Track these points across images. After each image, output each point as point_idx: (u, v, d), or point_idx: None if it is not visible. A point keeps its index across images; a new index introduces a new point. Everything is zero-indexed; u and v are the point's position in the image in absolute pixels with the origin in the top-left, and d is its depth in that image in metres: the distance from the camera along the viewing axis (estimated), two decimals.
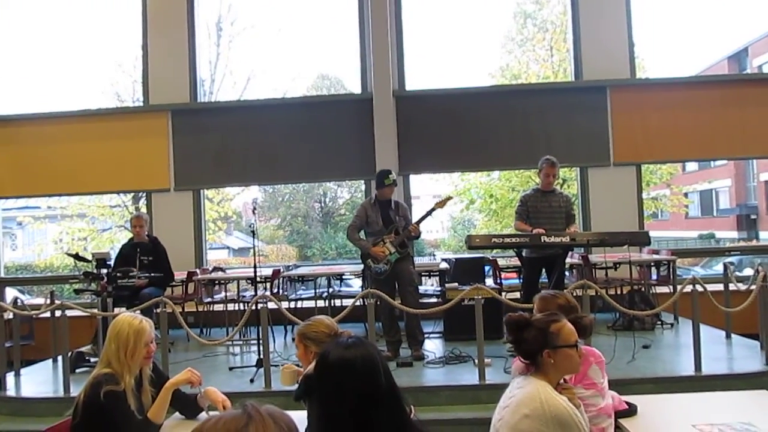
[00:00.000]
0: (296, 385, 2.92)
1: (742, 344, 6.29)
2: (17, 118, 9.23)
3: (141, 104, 9.68)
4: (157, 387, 2.98)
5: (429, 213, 6.30)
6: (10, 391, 5.78)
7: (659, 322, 7.14)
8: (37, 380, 6.24)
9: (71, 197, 14.05)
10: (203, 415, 3.02)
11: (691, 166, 24.30)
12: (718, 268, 8.97)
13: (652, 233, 6.64)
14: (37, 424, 4.39)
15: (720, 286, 6.69)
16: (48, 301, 6.90)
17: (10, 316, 6.29)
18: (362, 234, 6.41)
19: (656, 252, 7.89)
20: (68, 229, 16.01)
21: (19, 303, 7.02)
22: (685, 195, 21.20)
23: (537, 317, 2.51)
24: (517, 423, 2.24)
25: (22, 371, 6.34)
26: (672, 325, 7.21)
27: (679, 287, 6.07)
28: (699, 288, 5.33)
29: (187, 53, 9.02)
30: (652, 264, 7.75)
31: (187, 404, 3.08)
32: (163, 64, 8.99)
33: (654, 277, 7.85)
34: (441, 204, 6.32)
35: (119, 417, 2.71)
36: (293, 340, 6.83)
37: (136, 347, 2.83)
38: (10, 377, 6.03)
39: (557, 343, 2.39)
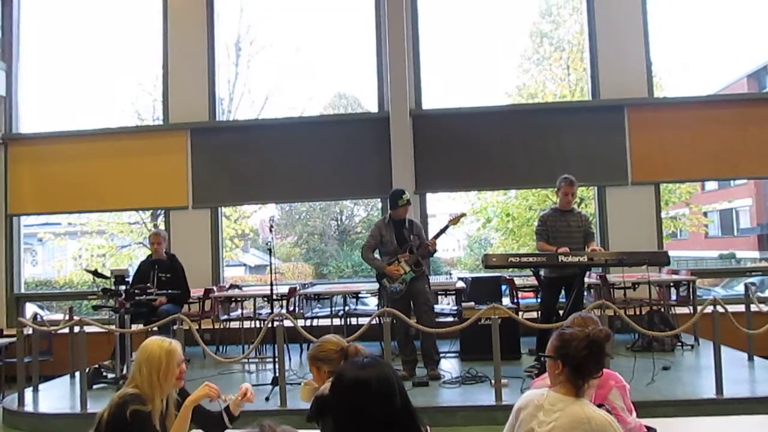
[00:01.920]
0: None
1: (765, 367, 6.19)
2: (39, 137, 9.41)
3: (161, 122, 9.82)
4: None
5: (443, 230, 6.30)
6: (28, 407, 5.83)
7: (679, 344, 7.05)
8: (55, 396, 6.29)
9: (91, 214, 14.20)
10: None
11: (711, 185, 24.02)
12: (739, 289, 8.82)
13: (671, 253, 6.56)
14: None
15: (741, 307, 6.59)
16: (67, 317, 6.95)
17: (30, 331, 6.36)
18: (377, 253, 6.41)
19: (675, 272, 7.79)
20: (88, 246, 16.19)
21: (39, 319, 7.11)
22: (705, 214, 20.93)
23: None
24: None
25: (41, 387, 6.40)
26: (692, 346, 7.11)
27: (699, 308, 5.99)
28: (720, 309, 5.26)
29: (206, 72, 9.15)
30: (672, 284, 7.66)
31: (209, 420, 3.06)
32: (183, 83, 9.13)
33: (673, 297, 7.75)
34: (455, 221, 6.33)
35: None
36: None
37: (168, 368, 2.82)
38: (28, 392, 6.09)
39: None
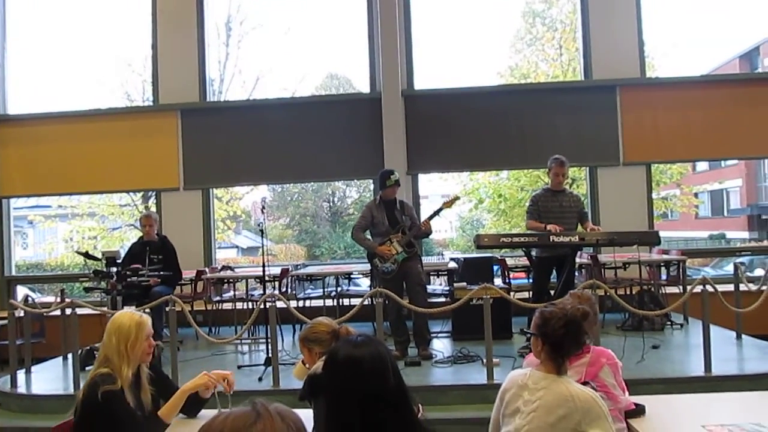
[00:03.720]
0: None
1: (753, 345, 6.26)
2: (28, 118, 9.31)
3: (151, 104, 9.73)
4: (157, 386, 3.00)
5: (437, 212, 6.30)
6: (21, 389, 5.83)
7: (669, 323, 7.11)
8: (48, 377, 6.29)
9: (81, 196, 14.11)
10: (206, 413, 3.02)
11: (702, 165, 24.11)
12: (729, 269, 8.90)
13: (661, 233, 6.59)
14: (47, 421, 4.44)
15: (730, 287, 6.65)
16: (58, 300, 6.95)
17: (21, 314, 6.35)
18: (368, 234, 6.41)
19: (666, 252, 7.85)
20: (78, 228, 16.09)
21: (30, 301, 7.07)
22: (696, 195, 21.02)
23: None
24: (555, 424, 2.28)
25: (33, 368, 6.39)
26: (682, 325, 7.18)
27: (689, 287, 6.04)
28: (709, 288, 5.30)
29: (196, 53, 9.06)
30: (662, 264, 7.72)
31: (188, 403, 3.09)
32: (173, 63, 9.04)
33: (664, 277, 7.81)
34: (449, 204, 6.34)
35: (121, 415, 2.72)
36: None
37: (137, 339, 2.85)
38: (21, 374, 6.08)
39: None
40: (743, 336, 6.47)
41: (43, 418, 5.15)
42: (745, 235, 23.74)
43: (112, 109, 9.67)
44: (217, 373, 3.09)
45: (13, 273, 9.50)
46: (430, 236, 6.87)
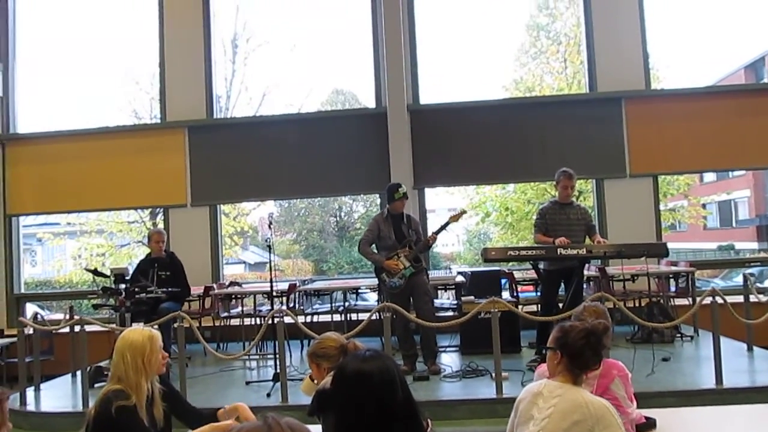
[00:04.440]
0: None
1: (765, 357, 6.21)
2: (37, 137, 9.39)
3: (158, 121, 9.81)
4: (168, 401, 3.00)
5: (444, 227, 6.30)
6: (30, 406, 5.84)
7: (679, 335, 7.07)
8: (57, 395, 6.30)
9: (90, 213, 14.20)
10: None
11: (709, 176, 24.07)
12: (738, 280, 8.83)
13: (670, 245, 6.57)
14: None
15: (740, 298, 6.61)
16: (67, 317, 6.96)
17: (30, 331, 6.37)
18: (374, 248, 6.41)
19: (674, 264, 7.81)
20: (87, 245, 16.20)
21: (39, 318, 7.12)
22: (703, 206, 20.96)
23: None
24: (569, 429, 2.30)
25: (42, 386, 6.41)
26: (692, 337, 7.13)
27: (698, 299, 6.00)
28: (719, 300, 5.28)
29: (203, 70, 9.13)
30: (671, 276, 7.68)
31: (190, 414, 3.10)
32: (180, 81, 9.12)
33: (673, 289, 7.77)
34: (455, 218, 6.34)
35: (134, 431, 2.73)
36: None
37: (152, 352, 2.86)
38: (30, 392, 6.10)
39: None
40: (754, 348, 6.42)
41: None
42: (755, 245, 23.59)
43: (120, 126, 9.75)
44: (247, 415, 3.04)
45: (22, 291, 9.53)
46: (436, 249, 6.86)
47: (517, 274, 7.91)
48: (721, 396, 4.97)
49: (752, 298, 6.52)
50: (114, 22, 10.61)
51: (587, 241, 6.29)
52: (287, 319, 5.67)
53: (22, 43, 9.67)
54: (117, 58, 11.02)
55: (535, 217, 6.74)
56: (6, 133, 9.33)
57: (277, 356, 5.64)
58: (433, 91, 9.39)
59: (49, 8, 10.19)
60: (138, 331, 2.95)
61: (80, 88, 11.50)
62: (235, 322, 7.90)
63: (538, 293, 7.08)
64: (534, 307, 7.09)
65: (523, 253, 6.17)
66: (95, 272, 6.74)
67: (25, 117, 9.65)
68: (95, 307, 6.96)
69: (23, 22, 9.74)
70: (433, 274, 8.23)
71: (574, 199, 6.62)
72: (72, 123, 10.05)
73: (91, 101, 11.73)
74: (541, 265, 6.36)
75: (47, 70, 10.62)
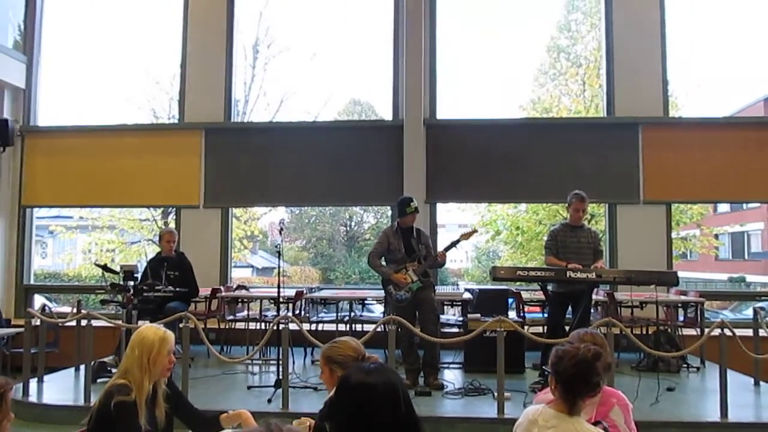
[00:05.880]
0: None
1: None
2: (56, 130, 9.52)
3: (176, 121, 9.89)
4: (171, 402, 3.01)
5: (454, 244, 6.29)
6: (32, 397, 5.86)
7: (685, 365, 7.00)
8: (59, 388, 6.32)
9: (102, 209, 14.30)
10: None
11: (723, 207, 23.90)
12: (748, 313, 8.74)
13: (680, 274, 6.53)
14: (56, 431, 4.46)
15: (749, 332, 6.53)
16: (74, 310, 7.00)
17: (38, 322, 6.40)
18: (383, 261, 6.41)
19: (684, 293, 7.75)
20: (98, 240, 16.29)
21: (47, 310, 7.14)
22: (716, 236, 20.78)
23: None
24: None
25: (45, 378, 6.43)
26: (698, 368, 7.06)
27: (706, 330, 5.94)
28: (727, 332, 5.22)
29: (223, 74, 9.21)
30: (680, 305, 7.61)
31: (199, 420, 3.10)
32: (200, 83, 9.20)
33: (681, 318, 7.69)
34: (466, 236, 6.34)
35: (126, 428, 2.74)
36: (313, 363, 6.84)
37: (159, 354, 2.89)
38: (33, 383, 6.12)
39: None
40: (761, 383, 6.34)
41: (53, 428, 5.18)
42: (766, 279, 23.36)
43: (138, 125, 9.84)
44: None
45: (32, 281, 9.61)
46: (445, 266, 6.85)
47: (525, 294, 7.87)
48: (726, 430, 4.92)
49: (761, 333, 6.44)
50: (138, 22, 10.74)
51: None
52: (292, 326, 5.67)
53: (47, 37, 9.80)
54: (139, 58, 11.14)
55: (545, 238, 6.72)
56: (26, 125, 9.44)
57: (281, 362, 5.64)
58: (450, 107, 9.39)
59: (76, 5, 10.33)
60: (153, 329, 2.98)
61: (101, 85, 11.62)
62: (240, 325, 7.92)
63: (545, 314, 7.04)
64: (540, 329, 7.05)
65: (532, 273, 6.14)
66: (105, 268, 6.77)
67: (45, 110, 9.76)
68: (102, 302, 6.98)
69: (49, 17, 9.87)
70: (441, 289, 8.20)
71: (585, 222, 6.59)
72: (91, 119, 10.11)
73: (111, 98, 11.87)
74: (550, 287, 6.33)
75: (70, 65, 10.74)
